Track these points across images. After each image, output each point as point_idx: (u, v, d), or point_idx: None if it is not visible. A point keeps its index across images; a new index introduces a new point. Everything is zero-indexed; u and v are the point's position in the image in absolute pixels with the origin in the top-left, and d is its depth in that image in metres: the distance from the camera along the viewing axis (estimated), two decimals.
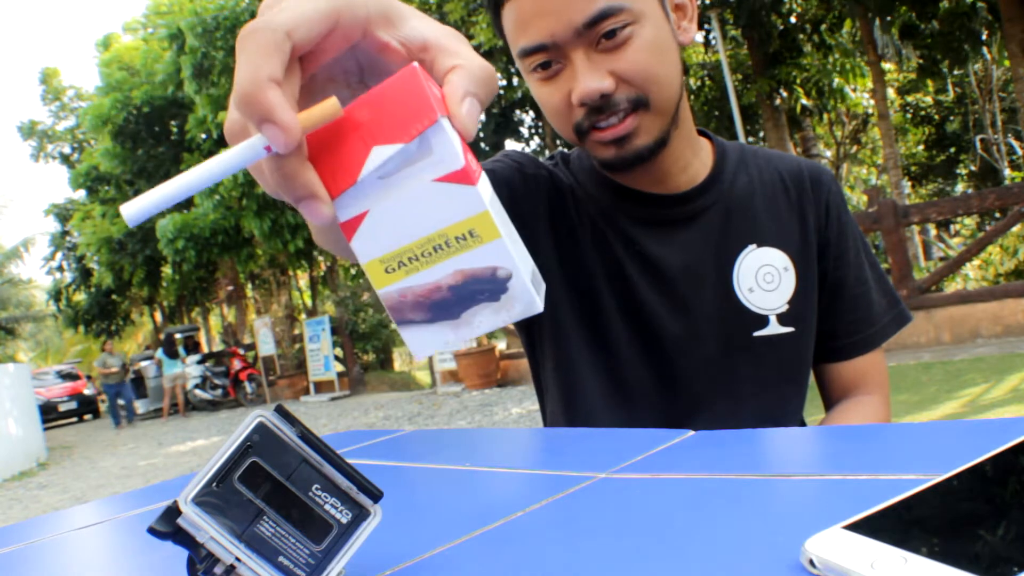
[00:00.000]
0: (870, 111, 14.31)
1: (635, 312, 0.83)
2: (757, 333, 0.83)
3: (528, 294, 0.33)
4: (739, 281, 0.83)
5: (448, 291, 0.33)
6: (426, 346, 0.34)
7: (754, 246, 0.84)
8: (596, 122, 0.75)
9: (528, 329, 0.89)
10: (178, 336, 15.61)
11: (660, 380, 0.84)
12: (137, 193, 17.93)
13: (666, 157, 0.82)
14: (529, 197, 0.85)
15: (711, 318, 0.83)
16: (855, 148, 17.00)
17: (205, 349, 19.89)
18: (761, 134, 14.15)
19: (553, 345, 0.86)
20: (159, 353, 14.60)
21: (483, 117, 0.58)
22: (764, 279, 0.84)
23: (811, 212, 0.87)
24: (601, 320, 0.84)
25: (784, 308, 0.84)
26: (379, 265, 0.34)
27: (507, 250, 0.33)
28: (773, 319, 0.84)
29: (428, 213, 0.33)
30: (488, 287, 0.33)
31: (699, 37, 12.98)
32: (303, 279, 18.46)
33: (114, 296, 20.64)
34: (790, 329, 0.84)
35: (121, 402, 14.72)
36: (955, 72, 14.13)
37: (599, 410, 0.84)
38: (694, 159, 0.85)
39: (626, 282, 0.83)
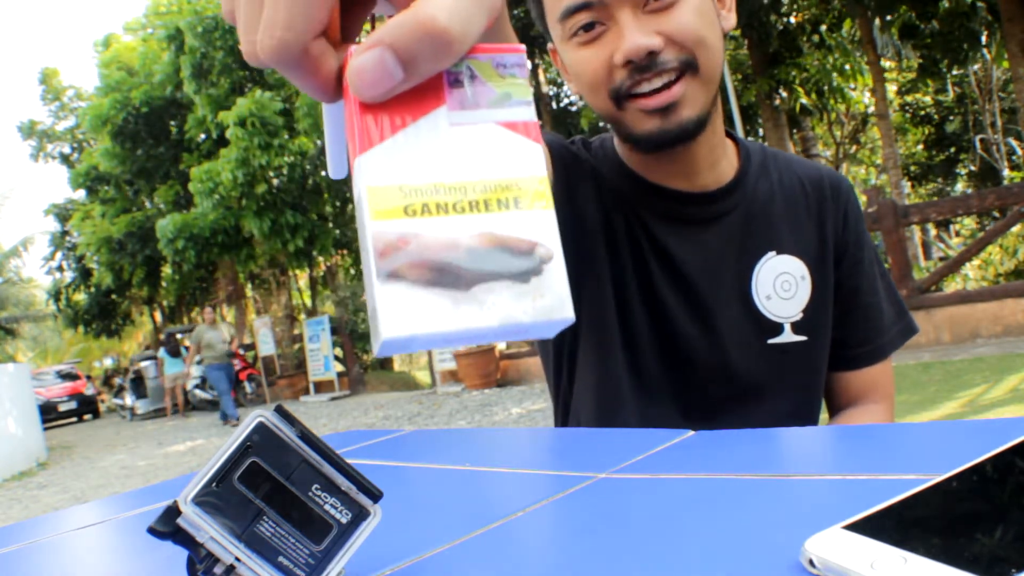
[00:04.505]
0: (870, 111, 14.31)
1: (656, 310, 0.83)
2: (771, 340, 0.83)
3: (563, 289, 0.27)
4: (757, 288, 0.83)
5: (465, 253, 0.26)
6: (409, 317, 0.25)
7: (773, 253, 0.83)
8: (639, 83, 0.73)
9: None
10: (178, 336, 15.62)
11: (677, 379, 0.83)
12: (137, 193, 17.96)
13: (698, 149, 0.80)
14: (580, 176, 0.84)
15: (727, 322, 0.82)
16: (854, 148, 17.00)
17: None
18: (761, 134, 14.15)
19: (590, 330, 0.84)
20: (161, 352, 14.55)
21: None
22: (782, 287, 0.83)
23: (830, 220, 0.87)
24: (628, 312, 0.83)
25: (799, 316, 0.83)
26: (395, 193, 0.26)
27: (555, 227, 0.27)
28: (787, 327, 0.83)
29: (477, 156, 0.27)
30: (518, 264, 0.26)
31: None
32: (303, 279, 18.47)
33: (114, 296, 20.64)
34: (803, 338, 0.83)
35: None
36: (955, 72, 14.13)
37: (626, 403, 0.83)
38: (722, 157, 0.84)
39: (649, 278, 0.83)
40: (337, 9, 0.28)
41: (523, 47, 0.29)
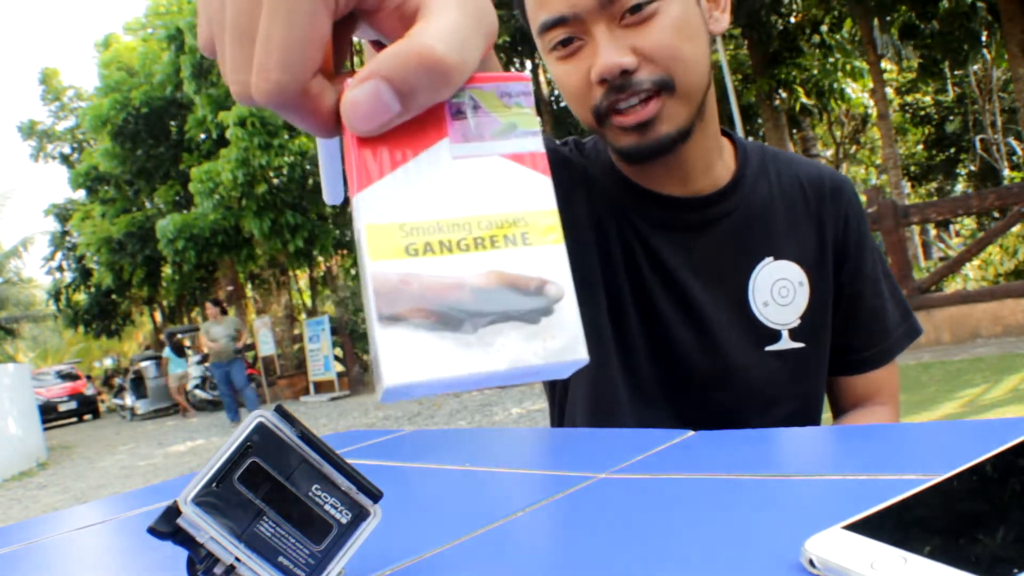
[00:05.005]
0: (870, 111, 14.32)
1: (650, 315, 0.82)
2: (769, 348, 0.82)
3: (576, 328, 0.26)
4: (754, 294, 0.82)
5: (470, 294, 0.25)
6: (413, 363, 0.24)
7: (771, 259, 0.82)
8: (616, 103, 0.72)
9: None
10: (179, 336, 15.62)
11: (673, 384, 0.82)
12: (137, 194, 17.96)
13: (690, 154, 0.79)
14: (571, 180, 0.83)
15: (722, 328, 0.81)
16: (854, 148, 17.01)
17: (204, 350, 19.86)
18: (761, 134, 14.15)
19: (587, 334, 0.83)
20: (167, 351, 14.55)
21: None
22: (779, 293, 0.82)
23: (830, 223, 0.85)
24: (622, 317, 0.82)
25: (796, 323, 0.82)
26: (396, 232, 0.25)
27: (566, 263, 0.26)
28: (785, 334, 0.82)
29: (482, 190, 0.26)
30: (527, 304, 0.25)
31: None
32: (303, 279, 18.47)
33: (114, 296, 20.64)
34: (801, 344, 0.82)
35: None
36: (955, 72, 14.14)
37: (622, 407, 0.82)
38: (717, 160, 0.82)
39: (642, 283, 0.82)
40: (331, 43, 0.27)
41: (528, 75, 0.28)
